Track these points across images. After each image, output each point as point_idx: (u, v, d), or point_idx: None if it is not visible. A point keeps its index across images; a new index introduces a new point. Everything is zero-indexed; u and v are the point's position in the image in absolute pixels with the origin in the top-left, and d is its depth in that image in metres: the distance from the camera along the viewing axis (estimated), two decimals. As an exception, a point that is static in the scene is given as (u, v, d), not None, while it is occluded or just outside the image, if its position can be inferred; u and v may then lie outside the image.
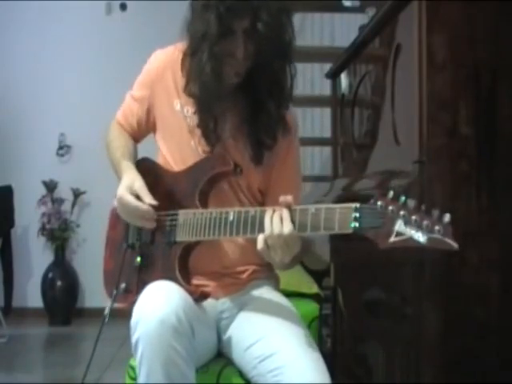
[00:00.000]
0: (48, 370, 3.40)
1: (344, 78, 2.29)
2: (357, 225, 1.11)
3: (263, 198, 1.55)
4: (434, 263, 1.35)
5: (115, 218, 1.57)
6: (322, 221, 1.17)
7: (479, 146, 1.38)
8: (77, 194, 4.71)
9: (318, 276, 2.45)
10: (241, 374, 1.42)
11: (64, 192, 4.71)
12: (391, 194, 1.08)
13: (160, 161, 1.57)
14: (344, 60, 2.18)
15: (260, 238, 1.24)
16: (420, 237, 1.04)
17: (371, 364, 1.81)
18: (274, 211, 1.23)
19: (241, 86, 1.47)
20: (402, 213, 1.06)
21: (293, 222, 1.21)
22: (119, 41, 4.72)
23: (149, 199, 1.39)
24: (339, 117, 2.36)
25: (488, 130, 1.39)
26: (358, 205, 1.12)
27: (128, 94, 1.63)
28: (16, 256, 4.43)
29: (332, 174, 2.49)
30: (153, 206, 1.40)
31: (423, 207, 1.06)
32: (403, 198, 1.07)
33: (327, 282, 2.42)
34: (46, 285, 4.59)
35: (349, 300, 2.05)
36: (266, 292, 1.53)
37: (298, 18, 4.08)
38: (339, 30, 4.09)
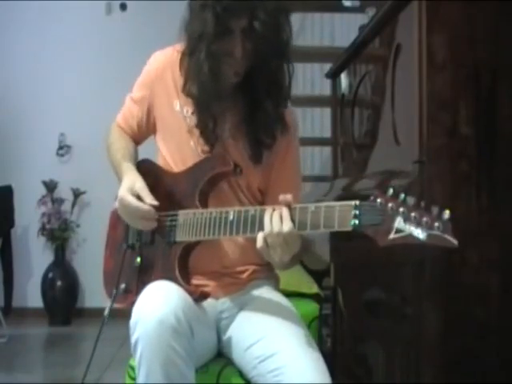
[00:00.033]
0: (48, 370, 3.40)
1: (344, 78, 2.29)
2: (356, 222, 1.11)
3: (263, 198, 1.55)
4: (434, 263, 1.35)
5: (115, 218, 1.57)
6: (322, 219, 1.17)
7: (479, 145, 1.38)
8: (77, 194, 4.71)
9: (317, 276, 2.45)
10: (241, 374, 1.42)
11: (64, 192, 4.71)
12: (391, 191, 1.08)
13: (160, 162, 1.57)
14: (344, 60, 2.18)
15: (260, 237, 1.24)
16: (419, 233, 1.04)
17: (371, 364, 1.81)
18: (273, 210, 1.24)
19: (240, 85, 1.47)
20: (401, 210, 1.06)
21: (292, 220, 1.21)
22: (119, 41, 4.72)
23: (150, 199, 1.40)
24: (339, 117, 2.36)
25: (488, 129, 1.39)
26: (357, 202, 1.12)
27: (128, 97, 1.64)
28: (16, 256, 4.43)
29: (332, 174, 2.49)
30: (153, 207, 1.40)
31: (423, 204, 1.06)
32: (403, 196, 1.07)
33: (327, 281, 2.42)
34: (46, 285, 4.59)
35: (349, 300, 2.05)
36: (266, 292, 1.53)
37: (297, 18, 4.10)
38: (339, 30, 4.09)
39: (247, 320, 1.45)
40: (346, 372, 2.06)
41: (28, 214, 4.59)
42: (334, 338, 2.28)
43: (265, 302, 1.49)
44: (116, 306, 1.50)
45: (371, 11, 2.43)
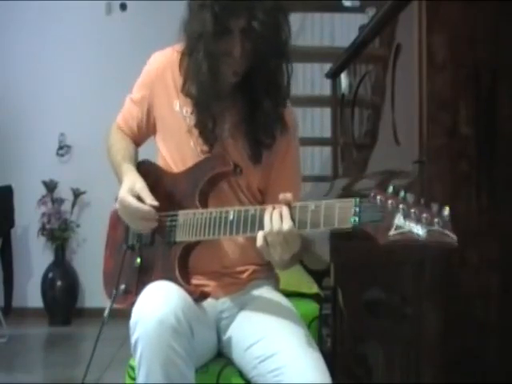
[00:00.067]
0: (48, 370, 3.40)
1: (344, 78, 2.29)
2: (356, 219, 1.11)
3: (263, 197, 1.55)
4: (434, 263, 1.35)
5: (115, 219, 1.57)
6: (322, 217, 1.17)
7: (479, 145, 1.38)
8: (77, 194, 4.71)
9: (318, 276, 2.45)
10: (241, 374, 1.42)
11: (64, 192, 4.71)
12: (391, 189, 1.09)
13: (160, 162, 1.57)
14: (344, 60, 2.18)
15: (259, 235, 1.24)
16: (419, 230, 1.04)
17: (371, 364, 1.81)
18: (273, 209, 1.24)
19: (239, 85, 1.47)
20: (401, 206, 1.06)
21: (293, 219, 1.21)
22: (119, 41, 4.72)
23: (150, 200, 1.40)
24: (339, 117, 2.36)
25: (488, 130, 1.39)
26: (357, 199, 1.12)
27: (127, 98, 1.64)
28: (16, 256, 4.43)
29: (332, 174, 2.49)
30: (154, 207, 1.40)
31: (422, 201, 1.06)
32: (402, 193, 1.07)
33: (327, 281, 2.42)
34: (46, 285, 4.59)
35: (349, 300, 2.05)
36: (266, 292, 1.53)
37: (297, 18, 4.09)
38: (339, 30, 4.09)
39: (247, 320, 1.45)
40: (346, 372, 2.06)
41: (28, 214, 4.59)
42: (334, 338, 2.28)
43: (265, 302, 1.49)
44: (116, 306, 1.51)
45: (371, 11, 2.43)
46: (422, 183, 1.36)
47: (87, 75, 4.72)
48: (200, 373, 1.39)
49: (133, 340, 1.24)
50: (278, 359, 1.30)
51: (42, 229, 4.61)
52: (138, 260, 1.48)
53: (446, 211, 1.03)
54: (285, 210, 1.22)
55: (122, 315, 1.41)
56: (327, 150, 3.60)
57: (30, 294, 4.71)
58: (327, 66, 2.55)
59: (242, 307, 1.49)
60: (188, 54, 1.45)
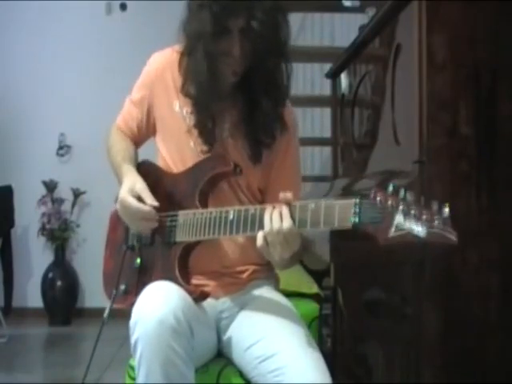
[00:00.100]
0: (48, 370, 3.40)
1: (344, 78, 2.29)
2: (356, 220, 1.11)
3: (263, 197, 1.55)
4: (434, 263, 1.35)
5: (115, 220, 1.57)
6: (322, 216, 1.17)
7: (479, 145, 1.38)
8: (77, 194, 4.71)
9: (318, 276, 2.45)
10: (241, 374, 1.42)
11: (64, 192, 4.71)
12: (391, 188, 1.09)
13: (160, 163, 1.58)
14: (344, 60, 2.18)
15: (259, 235, 1.24)
16: (419, 230, 1.04)
17: (371, 364, 1.80)
18: (273, 208, 1.24)
19: (238, 85, 1.47)
20: (401, 207, 1.06)
21: (293, 218, 1.21)
22: (119, 41, 4.72)
23: (150, 200, 1.40)
24: (339, 117, 2.36)
25: (488, 129, 1.39)
26: (357, 200, 1.12)
27: (127, 99, 1.64)
28: (16, 256, 4.43)
29: (332, 174, 2.49)
30: (154, 207, 1.40)
31: (422, 201, 1.06)
32: (402, 193, 1.07)
33: (327, 281, 2.42)
34: (46, 285, 4.59)
35: (349, 300, 2.05)
36: (266, 292, 1.53)
37: (298, 18, 4.10)
38: (339, 30, 4.09)
39: (247, 320, 1.45)
40: (346, 372, 2.06)
41: (28, 214, 4.59)
42: (334, 338, 2.28)
43: (265, 302, 1.49)
44: (116, 306, 1.51)
45: (371, 11, 2.43)
46: (422, 183, 1.36)
47: (87, 75, 4.72)
48: (200, 373, 1.39)
49: (133, 340, 1.24)
50: (279, 359, 1.30)
51: (42, 229, 4.61)
52: (138, 260, 1.48)
53: (446, 210, 1.03)
54: (284, 210, 1.22)
55: (121, 315, 1.41)
56: (327, 150, 3.61)
57: (30, 294, 4.71)
58: (327, 66, 2.55)
59: (242, 307, 1.49)
60: (187, 54, 1.45)
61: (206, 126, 1.47)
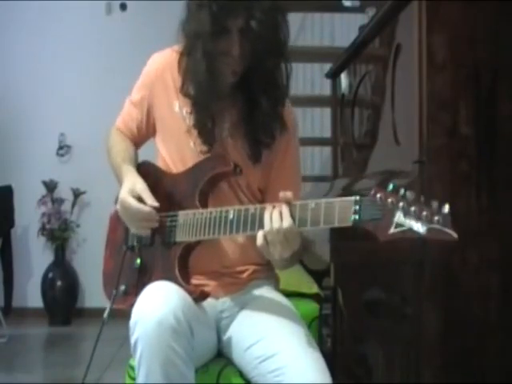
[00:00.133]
0: (48, 370, 3.40)
1: (344, 78, 2.29)
2: (356, 217, 1.11)
3: (263, 197, 1.55)
4: (434, 263, 1.35)
5: (115, 220, 1.57)
6: (322, 215, 1.17)
7: (479, 145, 1.38)
8: (77, 194, 4.71)
9: (318, 276, 2.45)
10: (241, 374, 1.42)
11: (64, 192, 4.71)
12: (390, 186, 1.09)
13: (160, 163, 1.58)
14: (344, 60, 2.18)
15: (259, 234, 1.24)
16: (419, 227, 1.04)
17: (371, 364, 1.80)
18: (273, 208, 1.24)
19: (238, 84, 1.47)
20: (401, 204, 1.06)
21: (293, 217, 1.21)
22: (119, 41, 4.72)
23: (151, 201, 1.40)
24: (339, 117, 2.36)
25: (488, 129, 1.39)
26: (357, 197, 1.12)
27: (127, 100, 1.64)
28: (16, 256, 4.43)
29: (332, 174, 2.49)
30: (154, 208, 1.40)
31: (422, 199, 1.06)
32: (402, 191, 1.07)
33: (327, 281, 2.42)
34: (46, 285, 4.59)
35: (349, 300, 2.05)
36: (266, 292, 1.53)
37: (298, 18, 4.10)
38: (339, 30, 4.09)
39: (247, 320, 1.45)
40: (346, 372, 2.06)
41: (28, 214, 4.59)
42: (334, 338, 2.28)
43: (265, 302, 1.49)
44: (115, 307, 1.50)
45: (371, 11, 2.43)
46: (422, 183, 1.36)
47: (87, 75, 4.72)
48: (200, 373, 1.39)
49: (132, 340, 1.24)
50: (279, 359, 1.30)
51: (42, 229, 4.61)
52: (138, 261, 1.48)
53: (446, 208, 1.04)
54: (284, 209, 1.22)
55: (121, 315, 1.41)
56: (327, 150, 3.61)
57: (30, 294, 4.71)
58: (327, 66, 2.55)
59: (242, 307, 1.49)
60: (186, 54, 1.45)
61: (205, 125, 1.47)
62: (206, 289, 1.43)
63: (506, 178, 1.38)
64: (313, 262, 2.54)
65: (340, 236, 1.83)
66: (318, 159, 4.29)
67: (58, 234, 4.59)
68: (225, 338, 1.48)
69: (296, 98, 3.09)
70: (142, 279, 1.44)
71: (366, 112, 1.98)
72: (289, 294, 1.66)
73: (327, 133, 2.86)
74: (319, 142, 3.93)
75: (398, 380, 1.51)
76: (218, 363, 1.47)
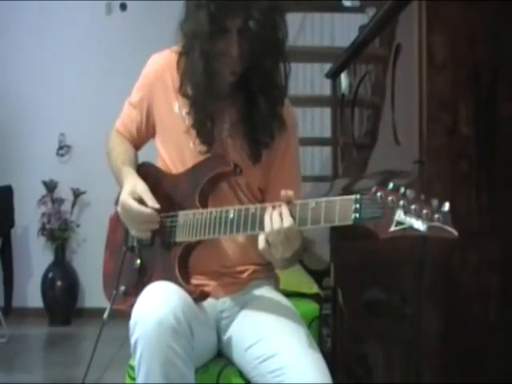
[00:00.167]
0: (48, 370, 3.40)
1: (344, 78, 2.29)
2: (357, 216, 1.12)
3: (263, 196, 1.55)
4: (434, 263, 1.35)
5: (115, 221, 1.57)
6: (323, 214, 1.17)
7: (479, 145, 1.38)
8: (77, 194, 4.71)
9: (318, 276, 2.45)
10: (241, 374, 1.42)
11: (64, 192, 4.71)
12: (391, 185, 1.09)
13: (159, 164, 1.58)
14: (344, 60, 2.18)
15: (261, 238, 1.24)
16: (420, 225, 1.04)
17: (371, 364, 1.80)
18: (273, 208, 1.24)
19: (237, 84, 1.47)
20: (401, 203, 1.07)
21: (293, 216, 1.21)
22: (119, 41, 4.72)
23: (152, 202, 1.40)
24: (339, 117, 2.36)
25: (488, 129, 1.39)
26: (357, 196, 1.12)
27: (126, 102, 1.64)
28: (16, 256, 4.42)
29: (332, 174, 2.49)
30: (155, 209, 1.40)
31: (423, 197, 1.06)
32: (403, 189, 1.08)
33: (327, 281, 2.42)
34: (46, 285, 4.59)
35: (349, 300, 2.05)
36: (266, 292, 1.53)
37: (298, 18, 4.10)
38: (339, 30, 4.09)
39: (247, 320, 1.45)
40: (346, 372, 2.06)
41: (28, 214, 4.59)
42: (333, 338, 2.28)
43: (265, 302, 1.49)
44: (116, 307, 1.50)
45: (371, 11, 2.43)
46: (422, 183, 1.36)
47: (87, 75, 4.71)
48: (200, 373, 1.39)
49: (132, 340, 1.24)
50: (279, 359, 1.30)
51: (42, 229, 4.61)
52: (138, 261, 1.48)
53: (447, 206, 1.04)
54: (284, 209, 1.22)
55: (121, 315, 1.41)
56: (327, 150, 3.61)
57: (30, 294, 4.71)
58: (327, 66, 2.55)
59: (242, 307, 1.49)
60: (185, 54, 1.45)
61: (204, 126, 1.47)
62: (206, 289, 1.43)
63: (506, 177, 1.38)
64: (313, 261, 2.54)
65: (340, 236, 1.83)
66: (318, 159, 4.29)
67: (58, 234, 4.59)
68: (225, 338, 1.48)
69: (296, 97, 3.09)
70: (141, 279, 1.45)
71: (366, 112, 1.98)
72: (289, 294, 1.66)
73: (327, 133, 2.86)
74: (319, 142, 3.93)
75: (398, 380, 1.51)
76: (217, 363, 1.47)
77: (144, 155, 1.65)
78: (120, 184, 1.50)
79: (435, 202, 1.05)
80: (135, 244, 1.50)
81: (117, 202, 1.48)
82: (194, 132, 1.48)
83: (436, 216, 1.04)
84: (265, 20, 1.34)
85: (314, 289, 2.10)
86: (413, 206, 1.05)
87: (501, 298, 1.37)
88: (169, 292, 1.29)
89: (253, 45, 1.37)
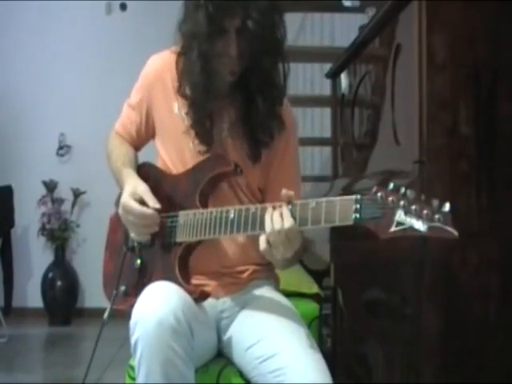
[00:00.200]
0: (48, 370, 3.40)
1: (344, 78, 2.29)
2: (357, 216, 1.12)
3: (263, 196, 1.55)
4: (434, 263, 1.35)
5: (115, 222, 1.57)
6: (323, 214, 1.17)
7: (479, 146, 1.38)
8: (77, 194, 4.71)
9: (318, 276, 2.45)
10: (241, 374, 1.43)
11: (64, 192, 4.71)
12: (391, 185, 1.09)
13: (159, 165, 1.58)
14: (344, 60, 2.18)
15: (262, 239, 1.24)
16: (420, 226, 1.04)
17: (371, 364, 1.80)
18: (273, 209, 1.24)
19: (236, 84, 1.47)
20: (401, 203, 1.07)
21: (293, 216, 1.21)
22: (119, 41, 4.72)
23: (153, 203, 1.40)
24: (339, 117, 2.36)
25: (488, 130, 1.39)
26: (358, 196, 1.12)
27: (125, 104, 1.64)
28: (16, 256, 4.42)
29: (332, 174, 2.49)
30: (156, 209, 1.40)
31: (423, 197, 1.06)
32: (403, 189, 1.08)
33: (327, 281, 2.42)
34: (46, 285, 4.59)
35: (349, 300, 2.05)
36: (266, 292, 1.53)
37: (298, 18, 4.10)
38: (339, 29, 4.09)
39: (248, 320, 1.45)
40: (346, 372, 2.06)
41: (28, 214, 4.59)
42: (333, 338, 2.28)
43: (265, 302, 1.49)
44: (116, 307, 1.50)
45: (371, 11, 2.43)
46: (422, 183, 1.36)
47: (87, 75, 4.71)
48: (200, 373, 1.39)
49: (133, 340, 1.24)
50: (279, 359, 1.30)
51: (42, 229, 4.61)
52: (138, 261, 1.48)
53: (447, 207, 1.04)
54: (285, 209, 1.22)
55: (122, 315, 1.41)
56: (327, 150, 3.61)
57: (30, 294, 4.71)
58: (327, 66, 2.55)
59: (242, 307, 1.49)
60: (183, 54, 1.45)
61: (203, 126, 1.47)
62: (207, 289, 1.43)
63: (506, 177, 1.38)
64: (313, 261, 2.54)
65: (340, 236, 1.83)
66: (318, 159, 4.29)
67: (58, 234, 4.59)
68: (225, 337, 1.48)
69: (296, 97, 3.09)
70: (142, 280, 1.45)
71: (366, 112, 1.98)
72: (289, 294, 1.66)
73: (327, 133, 2.86)
74: (319, 142, 3.93)
75: (398, 380, 1.51)
76: (218, 363, 1.47)
77: (144, 156, 1.65)
78: (120, 186, 1.50)
79: (435, 203, 1.05)
80: (135, 244, 1.50)
81: (117, 203, 1.48)
82: (193, 132, 1.48)
83: (436, 216, 1.04)
84: (263, 20, 1.34)
85: (314, 289, 2.10)
86: (413, 207, 1.05)
87: (501, 298, 1.37)
88: (169, 292, 1.29)
89: (251, 45, 1.37)
